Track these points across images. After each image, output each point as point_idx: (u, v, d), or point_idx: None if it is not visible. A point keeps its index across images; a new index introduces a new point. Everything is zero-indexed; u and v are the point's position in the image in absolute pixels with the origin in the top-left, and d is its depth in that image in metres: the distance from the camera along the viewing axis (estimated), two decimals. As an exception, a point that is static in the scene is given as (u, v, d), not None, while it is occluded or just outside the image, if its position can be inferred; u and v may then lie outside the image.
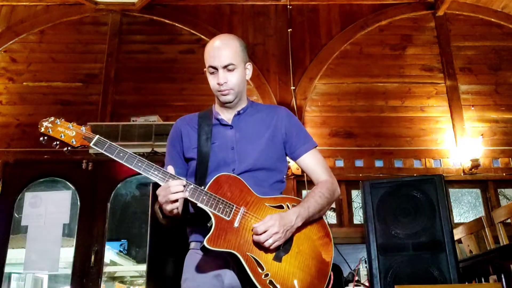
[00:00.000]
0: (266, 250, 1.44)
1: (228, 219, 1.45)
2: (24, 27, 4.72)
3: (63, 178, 4.22)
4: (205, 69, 1.72)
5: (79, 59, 4.65)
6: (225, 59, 1.60)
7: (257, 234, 1.43)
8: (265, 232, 1.42)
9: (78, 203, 4.10)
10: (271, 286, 1.40)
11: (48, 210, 4.07)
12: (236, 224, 1.45)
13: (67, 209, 4.07)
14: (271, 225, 1.42)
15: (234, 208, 1.47)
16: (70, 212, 4.06)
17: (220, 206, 1.45)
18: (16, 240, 4.17)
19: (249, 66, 1.71)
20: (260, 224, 1.43)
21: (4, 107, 4.46)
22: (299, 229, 1.51)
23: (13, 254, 4.22)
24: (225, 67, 1.61)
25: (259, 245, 1.44)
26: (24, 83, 4.55)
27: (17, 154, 4.25)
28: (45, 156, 4.21)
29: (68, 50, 4.69)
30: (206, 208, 1.43)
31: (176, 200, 1.40)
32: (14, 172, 4.18)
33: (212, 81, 1.64)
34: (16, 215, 4.08)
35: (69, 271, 3.95)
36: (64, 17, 4.79)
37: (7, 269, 4.04)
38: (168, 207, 1.41)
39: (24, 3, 4.81)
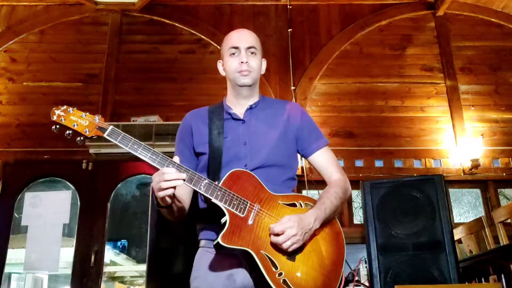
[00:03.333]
0: (283, 250, 1.41)
1: (242, 216, 1.41)
2: (24, 27, 4.72)
3: (63, 178, 4.21)
4: (219, 61, 1.71)
5: (79, 59, 4.65)
6: (248, 41, 1.64)
7: (274, 234, 1.40)
8: (282, 232, 1.39)
9: (78, 203, 4.09)
10: (284, 286, 1.37)
11: (48, 210, 4.06)
12: (250, 221, 1.42)
13: (67, 209, 4.06)
14: (289, 226, 1.39)
15: (248, 204, 1.44)
16: (70, 212, 4.05)
17: (235, 202, 1.41)
18: (16, 240, 4.16)
19: (264, 62, 1.74)
20: (278, 225, 1.40)
21: (4, 107, 4.46)
22: (315, 230, 1.49)
23: (13, 254, 4.21)
24: (248, 48, 1.63)
25: (275, 245, 1.41)
26: (24, 83, 4.55)
27: (17, 154, 4.25)
28: (45, 156, 4.21)
29: (68, 50, 4.69)
30: (221, 204, 1.40)
31: (168, 188, 1.35)
32: (14, 172, 4.17)
33: (233, 62, 1.63)
34: (16, 215, 4.08)
35: (69, 271, 3.94)
36: (64, 17, 4.79)
37: (7, 269, 4.04)
38: (161, 193, 1.36)
39: (24, 3, 4.81)
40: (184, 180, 1.37)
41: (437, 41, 4.79)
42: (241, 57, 1.61)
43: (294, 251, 1.43)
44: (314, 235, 1.49)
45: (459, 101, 4.56)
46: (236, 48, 1.62)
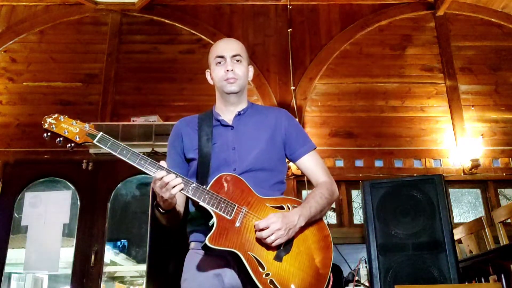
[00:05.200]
0: (267, 248, 1.45)
1: (229, 218, 1.45)
2: (24, 27, 4.72)
3: (63, 178, 4.21)
4: (207, 70, 1.76)
5: (79, 59, 4.65)
6: (233, 50, 1.68)
7: (259, 230, 1.43)
8: (267, 228, 1.43)
9: (78, 203, 4.10)
10: (271, 286, 1.40)
11: (48, 210, 4.06)
12: (237, 224, 1.46)
13: (67, 209, 4.06)
14: (273, 221, 1.43)
15: (236, 207, 1.48)
16: (70, 212, 4.06)
17: (222, 205, 1.45)
18: (16, 240, 4.17)
19: (251, 69, 1.78)
20: (263, 221, 1.45)
21: (4, 107, 4.46)
22: (300, 229, 1.51)
23: (13, 254, 4.22)
24: (233, 56, 1.67)
25: (261, 243, 1.45)
26: (24, 83, 4.55)
27: (17, 154, 4.25)
28: (45, 156, 4.21)
29: (68, 50, 4.69)
30: (208, 207, 1.44)
31: (174, 187, 1.41)
32: (14, 172, 4.17)
33: (219, 70, 1.67)
34: (16, 215, 4.08)
35: (69, 271, 3.94)
36: (64, 17, 4.79)
37: (7, 269, 4.04)
38: (167, 194, 1.41)
39: (24, 3, 4.81)
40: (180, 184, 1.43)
41: (437, 41, 4.79)
42: (226, 65, 1.66)
43: (281, 252, 1.46)
44: (301, 236, 1.53)
45: (459, 101, 4.56)
46: (221, 57, 1.67)
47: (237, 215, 1.47)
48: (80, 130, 1.49)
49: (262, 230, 1.43)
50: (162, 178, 1.40)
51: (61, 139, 1.49)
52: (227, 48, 1.69)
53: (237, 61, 1.67)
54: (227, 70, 1.65)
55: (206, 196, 1.45)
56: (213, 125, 1.69)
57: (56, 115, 1.51)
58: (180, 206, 1.61)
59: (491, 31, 4.85)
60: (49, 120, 1.49)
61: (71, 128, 1.49)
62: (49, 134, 1.49)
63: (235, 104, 1.71)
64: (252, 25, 4.85)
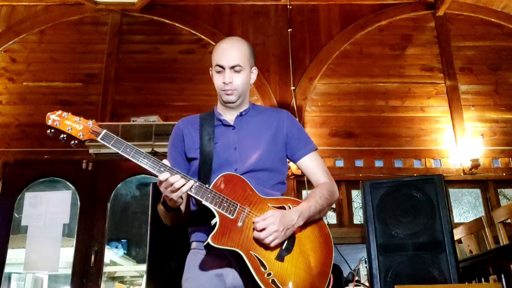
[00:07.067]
0: (267, 247, 1.45)
1: (232, 217, 1.45)
2: (24, 27, 4.72)
3: (63, 178, 4.22)
4: (210, 68, 1.75)
5: (79, 59, 4.65)
6: (233, 60, 1.64)
7: (257, 230, 1.44)
8: (265, 229, 1.43)
9: (78, 203, 4.10)
10: (273, 286, 1.41)
11: (48, 210, 4.07)
12: (239, 223, 1.46)
13: (67, 209, 4.07)
14: (270, 222, 1.44)
15: (238, 207, 1.48)
16: (70, 212, 4.06)
17: (225, 204, 1.46)
18: (16, 240, 4.17)
19: (255, 71, 1.75)
20: (260, 220, 1.45)
21: (4, 107, 4.46)
22: (300, 229, 1.52)
23: (13, 254, 4.22)
24: (232, 67, 1.64)
25: (260, 242, 1.45)
26: (24, 83, 4.55)
27: (17, 154, 4.25)
28: (45, 156, 4.21)
29: (68, 50, 4.69)
30: (211, 206, 1.44)
31: (179, 189, 1.41)
32: (14, 172, 4.18)
33: (218, 80, 1.67)
34: (16, 215, 4.08)
35: (69, 271, 3.95)
36: (64, 17, 4.79)
37: (7, 269, 4.04)
38: (174, 195, 1.42)
39: (24, 3, 4.82)
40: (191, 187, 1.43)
41: (437, 41, 4.79)
42: (224, 76, 1.64)
43: (283, 252, 1.47)
44: (303, 236, 1.53)
45: (459, 101, 4.56)
46: (221, 66, 1.65)
47: (239, 214, 1.47)
48: (84, 127, 1.50)
49: (260, 231, 1.44)
50: (167, 179, 1.40)
51: (65, 136, 1.49)
52: (227, 58, 1.64)
53: (236, 71, 1.65)
54: (224, 83, 1.64)
55: (209, 195, 1.45)
56: (214, 125, 1.69)
57: (60, 111, 1.51)
58: (183, 205, 1.61)
59: (491, 31, 4.85)
60: (52, 116, 1.49)
61: (75, 125, 1.49)
62: (52, 130, 1.49)
63: (236, 108, 1.72)
64: (252, 25, 4.86)
